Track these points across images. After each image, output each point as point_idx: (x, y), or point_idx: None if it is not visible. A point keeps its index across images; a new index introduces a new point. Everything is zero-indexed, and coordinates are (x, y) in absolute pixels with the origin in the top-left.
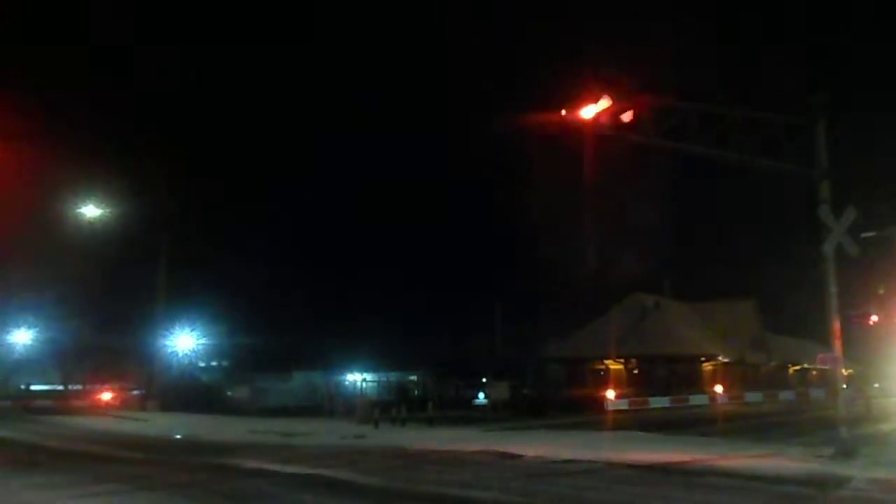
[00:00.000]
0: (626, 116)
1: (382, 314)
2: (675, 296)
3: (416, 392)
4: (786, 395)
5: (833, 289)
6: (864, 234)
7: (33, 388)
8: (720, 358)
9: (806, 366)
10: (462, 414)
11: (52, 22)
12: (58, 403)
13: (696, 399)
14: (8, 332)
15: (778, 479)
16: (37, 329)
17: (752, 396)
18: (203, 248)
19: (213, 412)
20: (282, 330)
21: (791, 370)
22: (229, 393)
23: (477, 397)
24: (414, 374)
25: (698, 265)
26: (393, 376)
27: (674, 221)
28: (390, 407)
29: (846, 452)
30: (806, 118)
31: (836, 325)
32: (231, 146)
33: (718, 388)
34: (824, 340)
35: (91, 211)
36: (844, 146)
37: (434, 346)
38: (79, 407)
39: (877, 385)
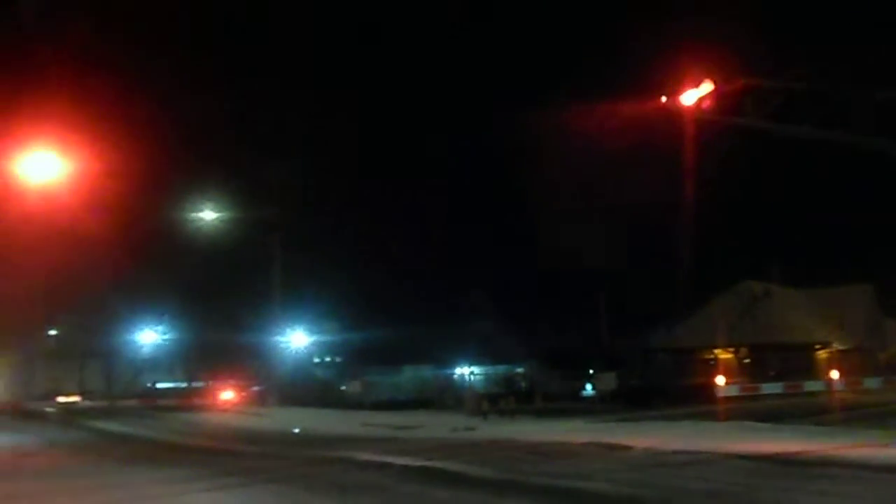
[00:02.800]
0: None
1: (490, 307)
2: (787, 282)
3: (523, 384)
4: None
5: None
6: None
7: (159, 385)
8: (835, 345)
9: None
10: (569, 406)
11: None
12: (182, 400)
13: (811, 386)
14: (134, 333)
15: None
16: (162, 329)
17: (871, 383)
18: (316, 248)
19: (327, 406)
20: (392, 325)
21: None
22: (342, 388)
23: (584, 389)
24: (521, 367)
25: (810, 250)
26: (500, 369)
27: (783, 206)
28: (498, 399)
29: None
30: None
31: None
32: (350, 146)
33: (835, 375)
34: None
35: (208, 215)
36: None
37: (540, 338)
38: (202, 404)
39: None
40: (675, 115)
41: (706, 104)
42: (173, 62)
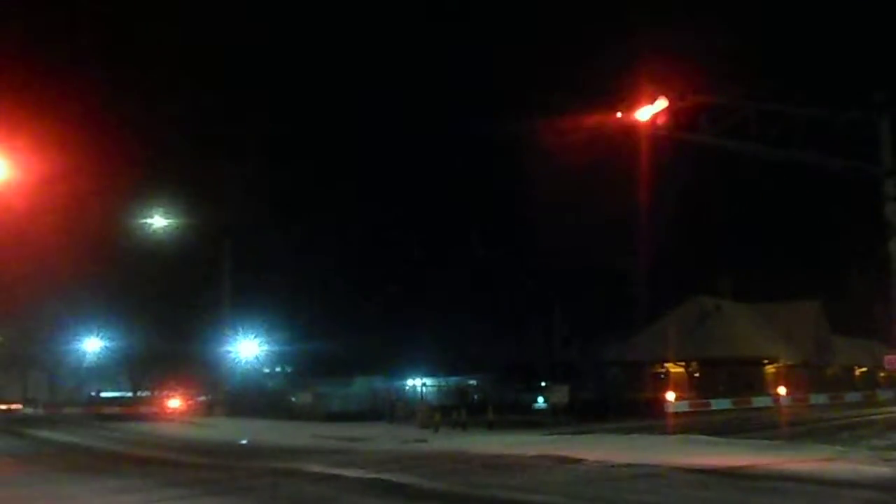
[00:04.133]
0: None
1: (441, 319)
2: (736, 297)
3: (475, 396)
4: (852, 397)
5: None
6: None
7: (103, 394)
8: (783, 360)
9: (872, 368)
10: (522, 418)
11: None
12: (127, 410)
13: (760, 401)
14: (79, 341)
15: (848, 484)
16: (106, 337)
17: (818, 398)
18: (266, 256)
19: (276, 418)
20: (343, 336)
21: (857, 372)
22: (292, 398)
23: (537, 401)
24: (473, 379)
25: (759, 266)
26: (452, 381)
27: (733, 222)
28: (450, 411)
29: None
30: (869, 115)
31: None
32: (295, 152)
33: (782, 391)
34: (891, 342)
35: (157, 221)
36: None
37: (493, 350)
38: (147, 413)
39: None
40: (630, 130)
41: (661, 120)
42: (119, 62)
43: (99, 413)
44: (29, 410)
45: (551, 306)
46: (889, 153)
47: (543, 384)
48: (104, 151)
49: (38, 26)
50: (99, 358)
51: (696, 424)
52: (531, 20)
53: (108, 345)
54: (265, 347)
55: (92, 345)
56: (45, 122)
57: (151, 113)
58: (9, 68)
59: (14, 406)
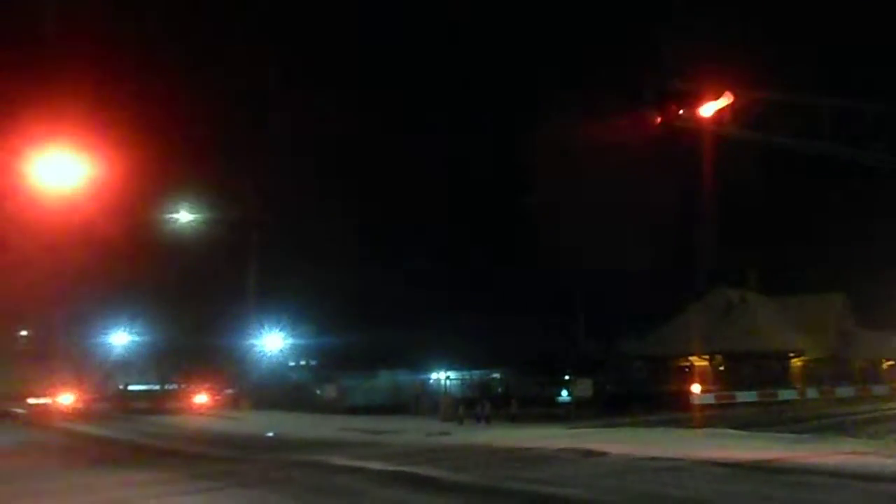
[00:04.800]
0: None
1: (465, 313)
2: (762, 290)
3: (499, 389)
4: (879, 390)
5: None
6: None
7: (131, 388)
8: (809, 353)
9: None
10: (545, 411)
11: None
12: (154, 403)
13: (786, 394)
14: (107, 335)
15: (875, 478)
16: (134, 331)
17: (844, 391)
18: (291, 250)
19: (302, 410)
20: (368, 329)
21: (885, 365)
22: (317, 391)
23: (560, 395)
24: (497, 372)
25: (786, 260)
26: (476, 374)
27: (760, 216)
28: (474, 405)
29: None
30: None
31: None
32: (322, 147)
33: (807, 383)
34: None
35: (184, 216)
36: None
37: (516, 343)
38: (174, 406)
39: None
40: (688, 127)
41: (726, 117)
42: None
43: (127, 406)
44: (58, 404)
45: (574, 300)
46: None
47: (566, 377)
48: (132, 152)
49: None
50: (127, 351)
51: (721, 417)
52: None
53: (136, 339)
54: (290, 341)
55: (120, 338)
56: (82, 127)
57: (182, 113)
58: (84, 78)
59: (44, 399)
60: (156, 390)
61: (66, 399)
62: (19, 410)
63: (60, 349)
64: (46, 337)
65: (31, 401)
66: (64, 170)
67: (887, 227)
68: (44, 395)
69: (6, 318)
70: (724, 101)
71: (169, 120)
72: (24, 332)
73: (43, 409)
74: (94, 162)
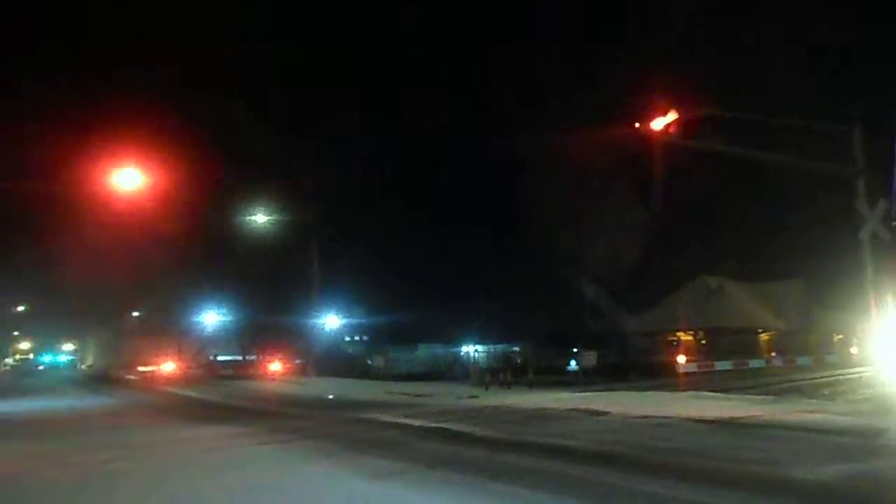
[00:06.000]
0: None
1: (492, 295)
2: (737, 277)
3: (518, 360)
4: (831, 359)
5: (870, 269)
6: (895, 223)
7: (220, 358)
8: (775, 329)
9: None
10: (557, 378)
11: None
12: (238, 371)
13: (755, 363)
14: (200, 314)
15: (828, 431)
16: (221, 312)
17: (803, 361)
18: (346, 244)
19: (356, 377)
20: (410, 309)
21: (836, 338)
22: (368, 362)
23: (569, 364)
24: (517, 346)
25: (757, 251)
26: (499, 347)
27: (735, 214)
28: (497, 373)
29: (883, 408)
30: (844, 125)
31: (874, 301)
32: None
33: (773, 354)
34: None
35: (261, 217)
36: (878, 144)
37: (533, 321)
38: (254, 374)
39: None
40: (646, 138)
41: (672, 130)
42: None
43: (216, 373)
44: (161, 371)
45: (582, 284)
46: (860, 156)
47: (575, 350)
48: (218, 163)
49: (162, 64)
50: (216, 328)
51: (702, 383)
52: (554, 43)
53: (223, 318)
54: (346, 320)
55: (211, 318)
56: (173, 141)
57: (254, 129)
58: (144, 98)
59: (150, 367)
60: (239, 360)
61: (168, 367)
62: (131, 377)
63: (164, 327)
64: (153, 317)
65: (140, 369)
66: (139, 181)
67: (837, 223)
68: (151, 364)
69: (121, 301)
70: (672, 116)
71: (248, 139)
72: (136, 314)
73: (150, 376)
74: (187, 176)
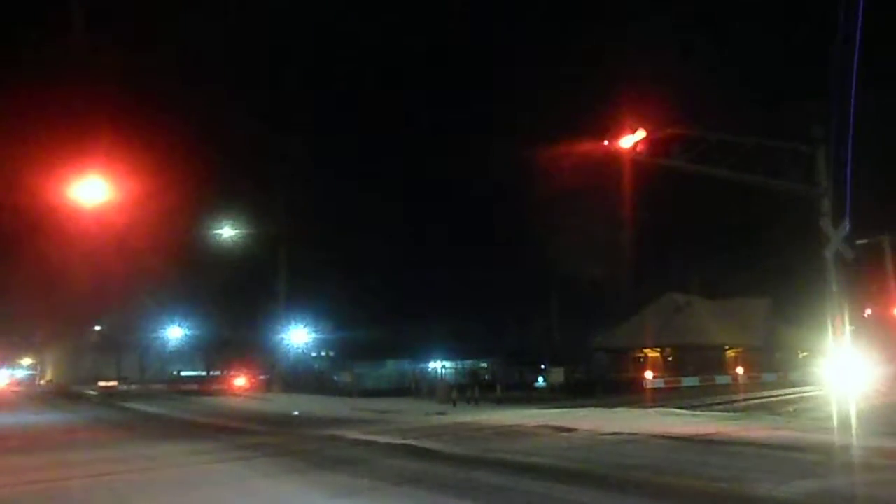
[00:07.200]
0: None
1: (459, 313)
2: (703, 295)
3: (486, 377)
4: (795, 376)
5: (834, 287)
6: (858, 242)
7: (183, 373)
8: (741, 346)
9: (811, 352)
10: (525, 395)
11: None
12: (201, 387)
13: (721, 379)
14: (163, 329)
15: (792, 448)
16: (185, 326)
17: (768, 377)
18: (313, 260)
19: (322, 393)
20: (378, 325)
21: (800, 355)
22: (335, 377)
23: (537, 381)
24: (484, 362)
25: (722, 269)
26: (467, 363)
27: (701, 232)
28: (465, 389)
29: (845, 425)
30: (809, 147)
31: (837, 319)
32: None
33: (739, 370)
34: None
35: (226, 231)
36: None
37: (501, 338)
38: (218, 389)
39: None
40: (615, 156)
41: (640, 147)
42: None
43: (179, 389)
44: (122, 387)
45: (549, 302)
46: (824, 176)
47: (543, 367)
48: (181, 175)
49: (128, 73)
50: (179, 343)
51: (669, 399)
52: (530, 61)
53: (186, 332)
54: (313, 335)
55: (174, 332)
56: (135, 152)
57: (217, 145)
58: (107, 108)
59: (111, 383)
60: (202, 376)
61: (130, 383)
62: (91, 392)
63: (125, 342)
64: (114, 332)
65: (101, 384)
66: (101, 193)
67: (801, 242)
68: (111, 380)
69: (81, 316)
70: (640, 134)
71: (210, 152)
72: (97, 328)
73: (110, 391)
74: (153, 187)
